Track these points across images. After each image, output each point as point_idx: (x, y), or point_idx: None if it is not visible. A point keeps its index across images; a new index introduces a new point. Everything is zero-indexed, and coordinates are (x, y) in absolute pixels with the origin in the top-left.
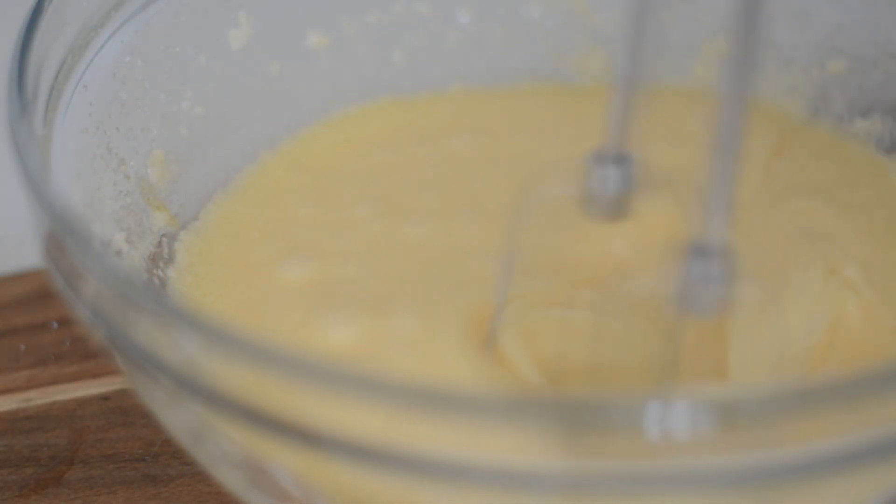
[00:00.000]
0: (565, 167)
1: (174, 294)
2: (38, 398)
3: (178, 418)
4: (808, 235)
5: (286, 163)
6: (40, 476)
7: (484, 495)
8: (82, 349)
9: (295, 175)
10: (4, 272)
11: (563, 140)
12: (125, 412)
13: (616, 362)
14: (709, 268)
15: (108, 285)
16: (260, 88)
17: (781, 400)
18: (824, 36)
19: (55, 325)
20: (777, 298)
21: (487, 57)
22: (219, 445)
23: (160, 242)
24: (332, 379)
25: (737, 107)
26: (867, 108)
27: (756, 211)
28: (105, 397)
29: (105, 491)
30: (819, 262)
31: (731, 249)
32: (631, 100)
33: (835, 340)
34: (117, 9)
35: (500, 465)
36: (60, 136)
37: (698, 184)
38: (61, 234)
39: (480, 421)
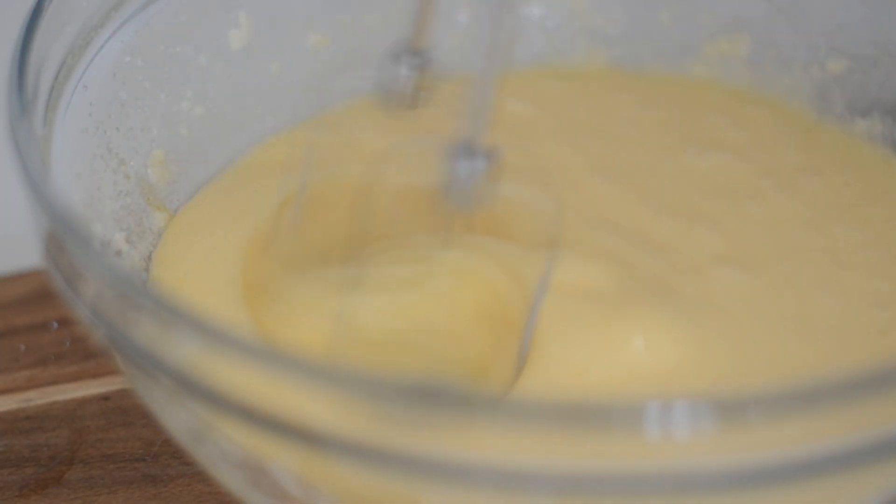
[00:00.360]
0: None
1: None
2: (38, 398)
3: (178, 418)
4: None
5: (281, 161)
6: (40, 476)
7: (484, 495)
8: (82, 349)
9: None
10: (4, 272)
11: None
12: (125, 412)
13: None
14: (466, 165)
15: (108, 285)
16: (260, 88)
17: (781, 400)
18: (824, 36)
19: (55, 325)
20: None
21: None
22: (219, 445)
23: (160, 242)
24: (331, 379)
25: (502, 16)
26: (867, 108)
27: (790, 233)
28: (105, 397)
29: (105, 491)
30: None
31: (491, 151)
32: None
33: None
34: (117, 9)
35: (500, 465)
36: (60, 136)
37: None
38: (61, 234)
39: (470, 421)
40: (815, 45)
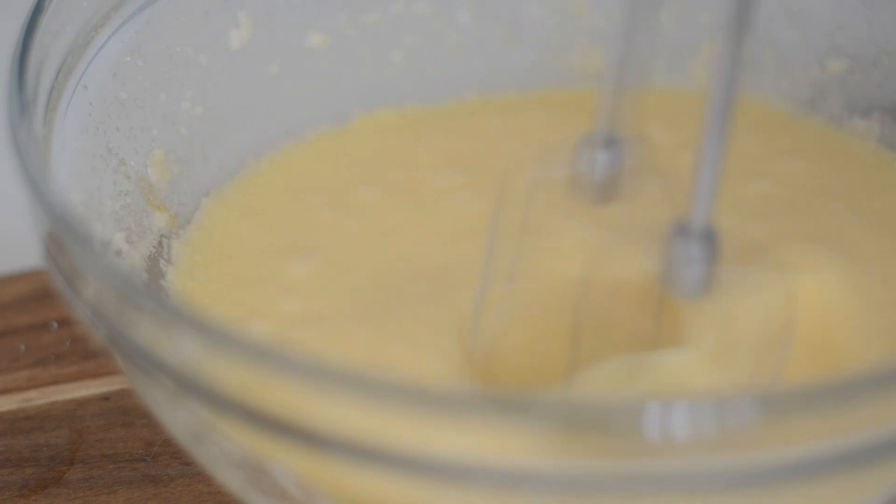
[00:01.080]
0: (555, 150)
1: (174, 294)
2: (38, 398)
3: (178, 418)
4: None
5: (288, 162)
6: (40, 476)
7: (484, 495)
8: (82, 349)
9: (294, 175)
10: (4, 272)
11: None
12: (125, 412)
13: (592, 355)
14: (692, 249)
15: (108, 285)
16: (260, 88)
17: (782, 400)
18: (824, 36)
19: (55, 325)
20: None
21: (488, 57)
22: (219, 445)
23: (160, 242)
24: (331, 379)
25: (727, 90)
26: (867, 108)
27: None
28: (105, 397)
29: (105, 491)
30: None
31: (715, 232)
32: (624, 83)
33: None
34: (117, 9)
35: (500, 465)
36: (60, 136)
37: (687, 168)
38: (61, 234)
39: (477, 421)
40: (815, 45)
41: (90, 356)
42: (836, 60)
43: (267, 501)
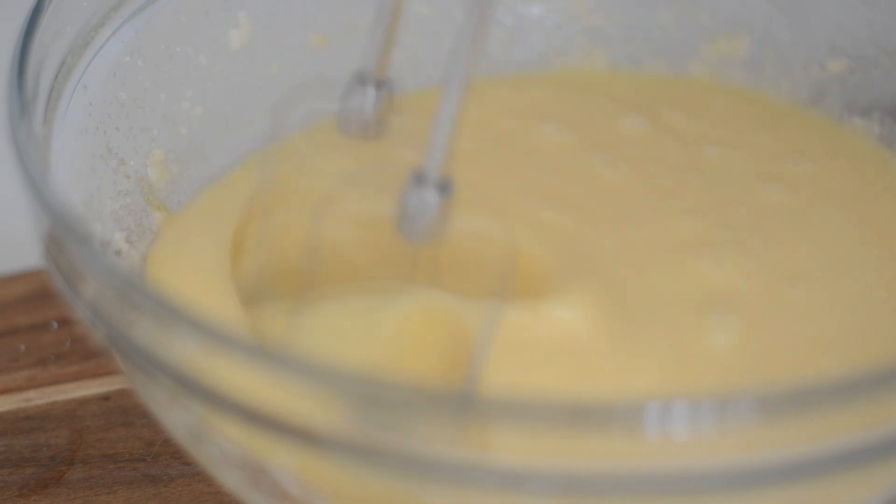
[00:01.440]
0: (325, 84)
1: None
2: (38, 398)
3: (178, 418)
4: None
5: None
6: (40, 476)
7: (484, 495)
8: (82, 349)
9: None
10: (4, 272)
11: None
12: (125, 412)
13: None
14: (424, 196)
15: (108, 285)
16: (260, 88)
17: (782, 400)
18: (824, 36)
19: (55, 325)
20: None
21: (488, 57)
22: (219, 445)
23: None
24: (331, 380)
25: (470, 40)
26: (867, 108)
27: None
28: (105, 397)
29: (105, 491)
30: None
31: (450, 181)
32: (393, 24)
33: None
34: (117, 9)
35: (500, 465)
36: (60, 136)
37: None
38: (61, 234)
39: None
40: (815, 45)
41: (90, 356)
42: (836, 60)
43: (267, 501)
